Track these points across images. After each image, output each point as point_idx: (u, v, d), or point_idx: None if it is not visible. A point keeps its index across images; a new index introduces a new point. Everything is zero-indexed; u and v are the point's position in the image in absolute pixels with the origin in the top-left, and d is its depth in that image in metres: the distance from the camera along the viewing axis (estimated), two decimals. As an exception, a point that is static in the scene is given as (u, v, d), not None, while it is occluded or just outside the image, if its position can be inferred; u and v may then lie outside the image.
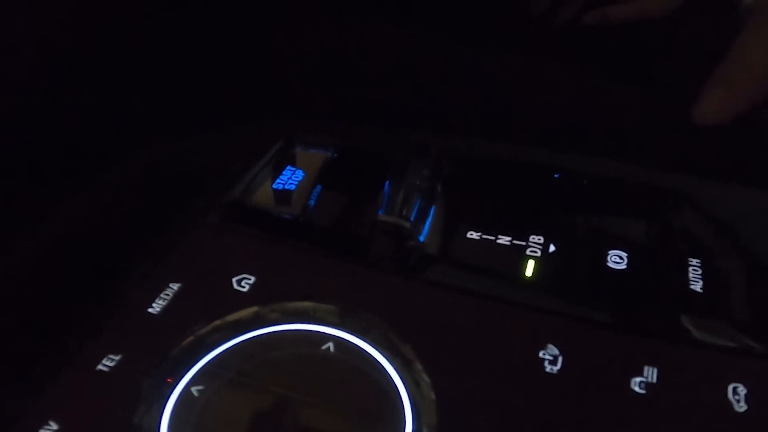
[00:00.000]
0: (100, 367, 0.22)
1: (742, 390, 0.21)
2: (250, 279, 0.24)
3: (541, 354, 0.22)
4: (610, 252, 0.26)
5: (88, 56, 0.31)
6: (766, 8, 0.31)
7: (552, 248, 0.26)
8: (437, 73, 0.37)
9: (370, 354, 0.22)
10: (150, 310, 0.23)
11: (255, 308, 0.23)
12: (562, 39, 0.42)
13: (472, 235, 0.27)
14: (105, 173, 0.29)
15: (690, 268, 0.25)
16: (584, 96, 0.35)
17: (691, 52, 0.38)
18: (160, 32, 0.35)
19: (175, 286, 0.24)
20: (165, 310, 0.23)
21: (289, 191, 0.29)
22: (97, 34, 0.32)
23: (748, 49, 0.30)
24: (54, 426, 0.20)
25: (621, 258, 0.26)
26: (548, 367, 0.22)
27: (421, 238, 0.26)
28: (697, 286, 0.24)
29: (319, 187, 0.29)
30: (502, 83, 0.36)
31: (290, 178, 0.30)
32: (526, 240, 0.26)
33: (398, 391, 0.21)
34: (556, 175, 0.30)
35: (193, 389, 0.21)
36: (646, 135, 0.34)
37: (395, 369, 0.21)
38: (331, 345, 0.22)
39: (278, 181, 0.30)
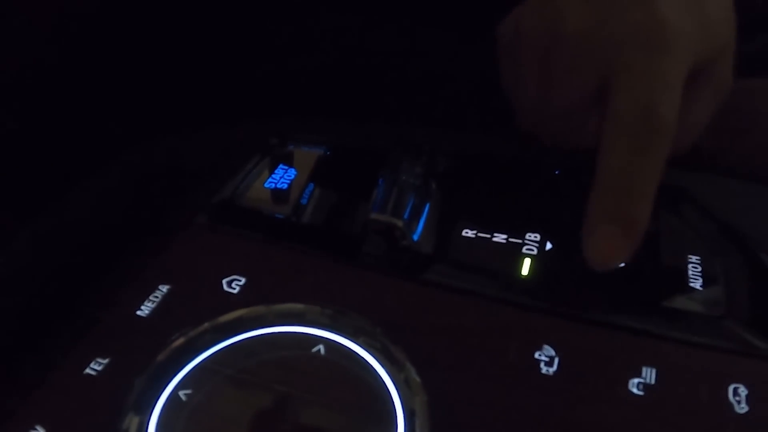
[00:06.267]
0: (88, 370, 0.21)
1: (743, 391, 0.20)
2: (240, 280, 0.24)
3: (537, 355, 0.21)
4: (608, 249, 0.25)
5: (77, 54, 0.31)
6: (616, 119, 0.23)
7: (549, 246, 0.26)
8: (431, 68, 0.37)
9: (360, 356, 0.21)
10: (139, 312, 0.23)
11: (244, 310, 0.23)
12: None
13: (467, 233, 0.26)
14: (94, 173, 0.29)
15: (690, 265, 0.24)
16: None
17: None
18: (151, 30, 0.34)
19: (165, 288, 0.24)
20: (154, 312, 0.23)
21: (281, 190, 0.29)
22: (88, 32, 0.32)
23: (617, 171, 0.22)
24: (41, 430, 0.20)
25: (619, 255, 0.25)
26: (544, 369, 0.21)
27: (415, 237, 0.26)
28: (697, 284, 0.24)
29: (311, 186, 0.29)
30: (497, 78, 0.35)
31: (282, 177, 0.29)
32: (523, 238, 0.26)
33: (390, 393, 0.20)
34: (556, 172, 0.29)
35: (181, 393, 0.21)
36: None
37: (386, 371, 0.21)
38: (322, 347, 0.22)
39: (270, 179, 0.29)
